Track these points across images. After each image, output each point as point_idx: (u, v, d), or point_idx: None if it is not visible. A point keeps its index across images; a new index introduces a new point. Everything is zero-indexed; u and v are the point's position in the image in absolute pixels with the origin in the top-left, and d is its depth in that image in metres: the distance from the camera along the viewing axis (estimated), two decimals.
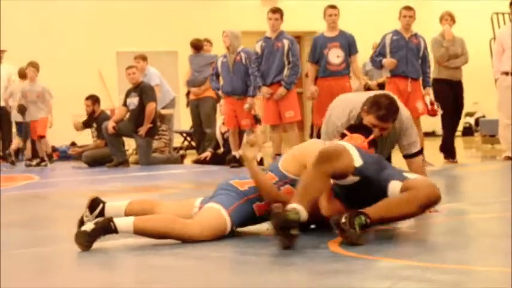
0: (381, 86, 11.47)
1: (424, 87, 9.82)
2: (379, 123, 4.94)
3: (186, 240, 4.37)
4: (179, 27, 16.04)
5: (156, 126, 12.11)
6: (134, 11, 15.96)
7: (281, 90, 10.02)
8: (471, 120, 17.26)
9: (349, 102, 5.41)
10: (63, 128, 14.09)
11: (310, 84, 9.99)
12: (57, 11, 15.53)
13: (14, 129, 14.04)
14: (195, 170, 10.94)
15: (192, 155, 13.17)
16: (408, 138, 5.37)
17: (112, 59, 16.02)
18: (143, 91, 11.85)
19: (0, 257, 4.23)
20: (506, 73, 10.17)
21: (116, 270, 4.08)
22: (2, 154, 13.43)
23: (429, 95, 9.77)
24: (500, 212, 5.56)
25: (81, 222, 4.72)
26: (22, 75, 13.51)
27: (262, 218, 4.56)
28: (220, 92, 11.10)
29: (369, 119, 4.97)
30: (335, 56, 9.89)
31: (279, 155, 9.98)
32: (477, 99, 16.62)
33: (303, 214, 4.14)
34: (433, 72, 10.18)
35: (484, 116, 16.21)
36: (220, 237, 4.43)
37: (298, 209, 4.13)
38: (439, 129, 13.76)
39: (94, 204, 4.78)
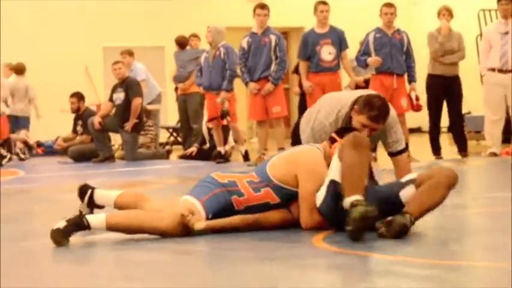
0: (367, 82, 11.45)
1: (410, 82, 9.84)
2: (371, 124, 4.88)
3: (160, 234, 4.36)
4: (166, 22, 16.00)
5: (142, 122, 12.07)
6: (121, 6, 15.91)
7: (268, 86, 10.00)
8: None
9: (337, 101, 5.31)
10: (48, 123, 14.05)
11: (304, 80, 9.96)
12: (43, 6, 15.46)
13: None
14: (181, 166, 10.92)
15: (178, 151, 13.14)
16: (393, 136, 5.34)
17: (98, 54, 15.97)
18: (129, 86, 11.80)
19: None
20: (493, 69, 10.18)
21: (90, 264, 4.07)
22: None
23: (414, 90, 9.79)
24: (487, 207, 5.58)
25: (80, 214, 4.73)
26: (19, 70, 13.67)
27: (240, 212, 4.54)
28: (201, 88, 11.08)
29: (359, 119, 4.89)
30: (327, 53, 9.89)
31: (266, 149, 10.00)
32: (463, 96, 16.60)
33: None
34: (428, 67, 10.19)
35: (469, 113, 16.21)
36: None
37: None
38: (424, 125, 13.78)
39: (82, 191, 4.84)
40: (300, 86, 10.77)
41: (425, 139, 10.84)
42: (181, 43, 12.76)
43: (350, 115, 5.04)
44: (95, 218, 4.34)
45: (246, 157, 10.80)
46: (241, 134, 11.40)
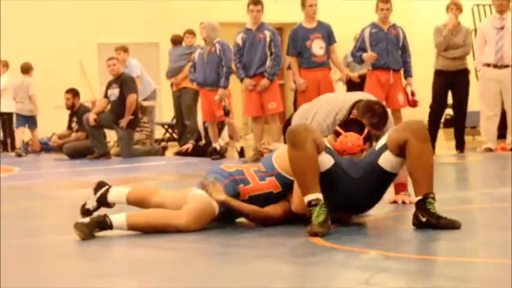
0: (362, 77, 11.46)
1: (406, 77, 9.83)
2: (371, 130, 4.91)
3: (179, 231, 4.42)
4: (161, 18, 15.99)
5: (138, 118, 12.06)
6: (115, 3, 15.88)
7: (264, 82, 9.99)
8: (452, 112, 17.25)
9: (335, 104, 5.35)
10: (44, 120, 14.03)
11: (297, 77, 9.91)
12: (38, 3, 15.43)
13: None
14: (177, 162, 10.91)
15: (173, 147, 13.14)
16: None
17: (93, 51, 15.95)
18: (124, 83, 11.78)
19: None
20: (488, 65, 10.18)
21: (95, 262, 4.06)
22: None
23: (410, 85, 9.78)
24: (480, 203, 5.58)
25: (84, 207, 4.84)
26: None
27: (245, 201, 4.59)
28: (195, 84, 11.07)
29: None
30: (318, 47, 9.86)
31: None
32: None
33: None
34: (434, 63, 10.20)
35: None
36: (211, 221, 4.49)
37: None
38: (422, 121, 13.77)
39: (99, 186, 4.89)
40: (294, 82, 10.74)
41: None
42: (175, 41, 12.84)
43: (348, 119, 5.08)
44: (117, 218, 4.41)
45: (241, 153, 10.79)
46: (237, 130, 11.39)
